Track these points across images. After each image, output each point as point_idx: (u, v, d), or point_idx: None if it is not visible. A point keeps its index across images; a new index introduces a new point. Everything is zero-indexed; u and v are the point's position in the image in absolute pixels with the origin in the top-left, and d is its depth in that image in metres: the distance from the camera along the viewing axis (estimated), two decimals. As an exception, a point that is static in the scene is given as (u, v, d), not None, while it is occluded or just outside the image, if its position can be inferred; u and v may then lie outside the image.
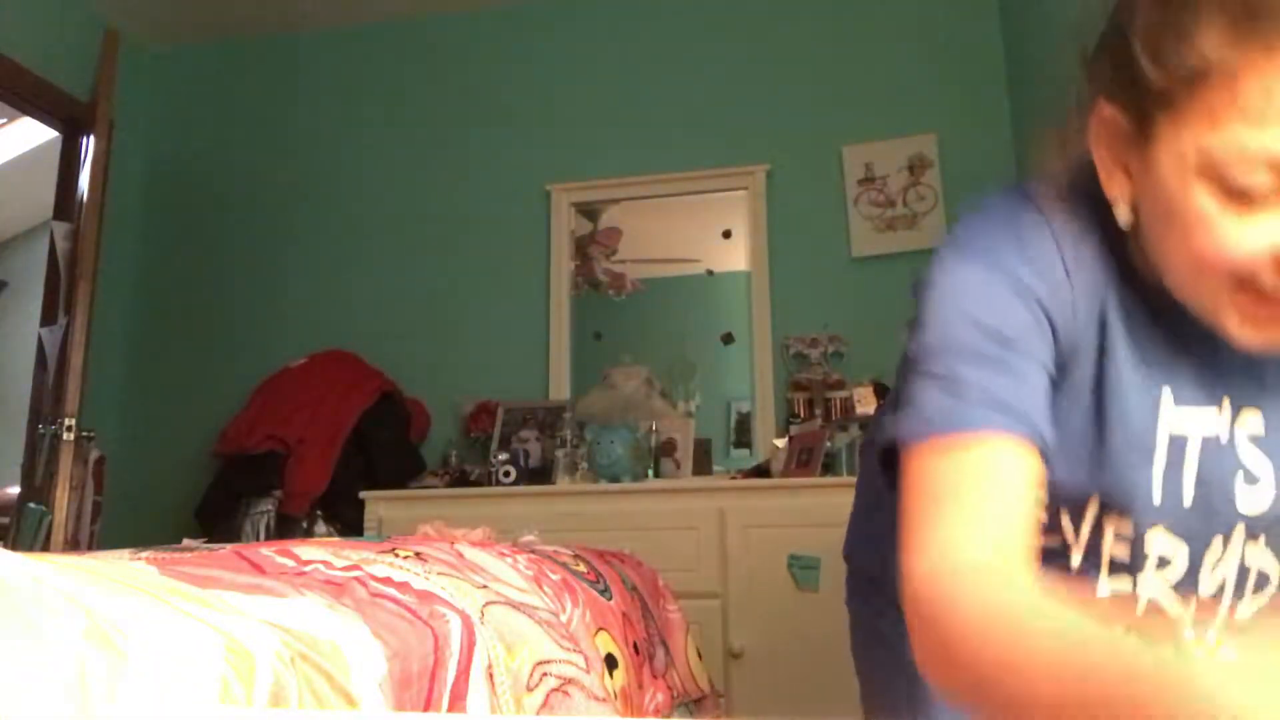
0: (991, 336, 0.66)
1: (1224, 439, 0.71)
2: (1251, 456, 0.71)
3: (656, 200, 3.24)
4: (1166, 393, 0.70)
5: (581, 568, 1.39)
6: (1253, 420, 0.71)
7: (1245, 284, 0.61)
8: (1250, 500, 0.71)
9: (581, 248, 3.28)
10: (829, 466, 2.58)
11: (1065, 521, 0.74)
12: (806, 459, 2.59)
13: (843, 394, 2.79)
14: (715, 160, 3.19)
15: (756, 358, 3.02)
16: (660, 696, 1.43)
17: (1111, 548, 0.73)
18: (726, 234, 3.17)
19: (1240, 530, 0.73)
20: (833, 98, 3.17)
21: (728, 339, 3.09)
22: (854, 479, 2.71)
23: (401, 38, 3.60)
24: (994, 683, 0.54)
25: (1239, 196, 0.58)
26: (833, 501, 2.46)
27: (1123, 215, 0.66)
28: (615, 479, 2.70)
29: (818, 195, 3.12)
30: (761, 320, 3.05)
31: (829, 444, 2.60)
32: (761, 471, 2.74)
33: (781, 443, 2.76)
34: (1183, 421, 0.70)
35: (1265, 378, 0.71)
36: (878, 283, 3.00)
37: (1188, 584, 0.74)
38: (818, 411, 2.80)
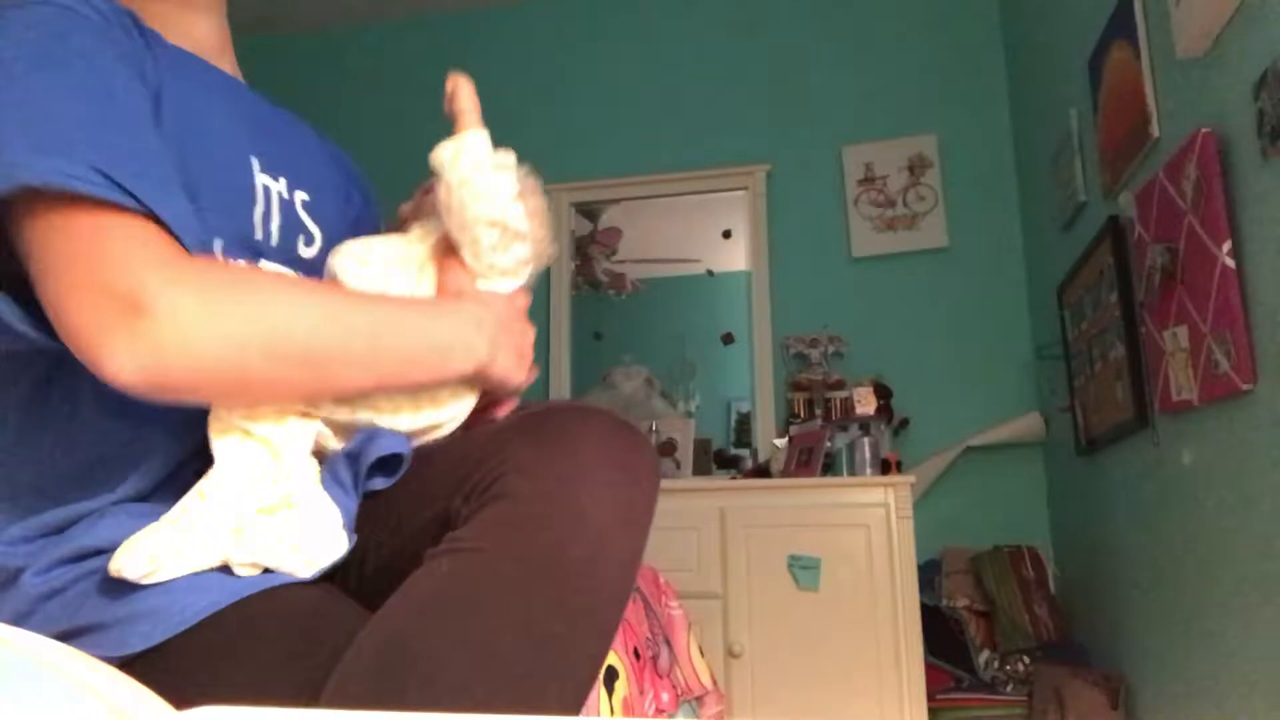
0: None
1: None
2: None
3: (656, 200, 3.24)
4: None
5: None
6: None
7: None
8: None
9: (581, 248, 3.28)
10: (829, 466, 2.59)
11: None
12: (806, 459, 2.59)
13: (843, 394, 2.79)
14: (715, 160, 3.19)
15: (756, 358, 3.02)
16: (665, 696, 1.43)
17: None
18: (726, 234, 3.18)
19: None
20: (833, 98, 3.18)
21: (728, 339, 3.10)
22: (854, 479, 2.68)
23: (400, 38, 3.60)
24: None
25: None
26: (833, 501, 2.48)
27: None
28: (615, 479, 2.69)
29: (818, 195, 3.12)
30: (761, 320, 3.05)
31: (829, 444, 2.61)
32: (761, 471, 2.74)
33: (781, 443, 2.76)
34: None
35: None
36: (878, 283, 3.01)
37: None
38: (818, 411, 2.80)
